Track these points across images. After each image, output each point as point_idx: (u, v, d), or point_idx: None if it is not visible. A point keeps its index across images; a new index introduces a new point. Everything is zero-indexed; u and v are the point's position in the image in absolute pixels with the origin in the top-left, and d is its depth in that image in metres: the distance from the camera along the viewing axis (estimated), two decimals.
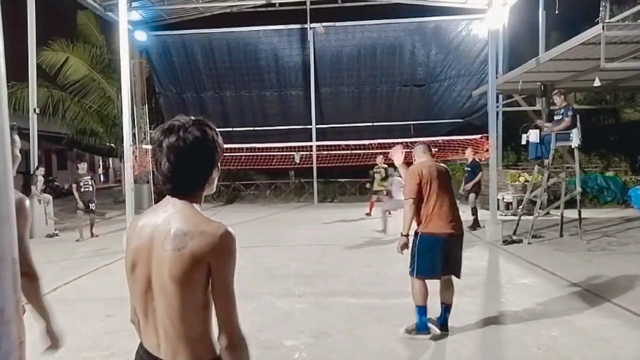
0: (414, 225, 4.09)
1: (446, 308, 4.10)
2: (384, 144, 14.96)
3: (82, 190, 9.66)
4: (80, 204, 9.64)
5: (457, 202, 4.29)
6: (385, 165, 12.42)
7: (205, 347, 1.37)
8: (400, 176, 4.71)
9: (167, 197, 1.42)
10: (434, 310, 4.16)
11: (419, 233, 4.01)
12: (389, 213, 9.68)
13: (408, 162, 4.29)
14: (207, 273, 1.32)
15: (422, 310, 4.01)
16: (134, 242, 1.41)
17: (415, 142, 4.75)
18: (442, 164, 4.22)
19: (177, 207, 1.38)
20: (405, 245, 4.04)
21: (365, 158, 14.97)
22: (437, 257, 3.93)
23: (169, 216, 1.37)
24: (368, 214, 12.28)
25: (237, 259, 1.38)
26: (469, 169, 10.09)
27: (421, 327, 4.01)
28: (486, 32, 11.84)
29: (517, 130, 9.29)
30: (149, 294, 1.37)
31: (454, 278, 4.14)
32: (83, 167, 9.97)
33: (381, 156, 12.46)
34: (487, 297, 5.23)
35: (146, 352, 1.42)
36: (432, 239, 3.93)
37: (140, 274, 1.38)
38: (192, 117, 1.41)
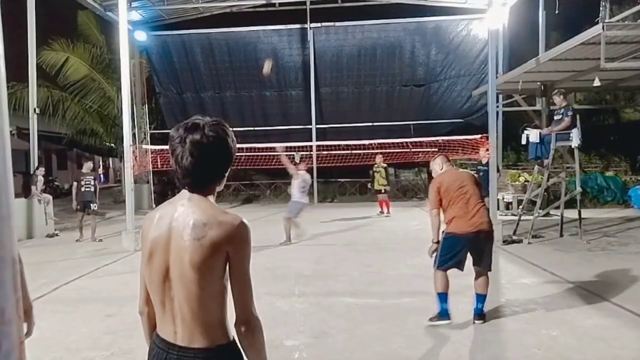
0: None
1: (478, 298, 4.39)
2: (384, 144, 14.97)
3: (82, 189, 9.40)
4: (74, 203, 9.45)
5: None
6: (385, 165, 12.52)
7: (221, 331, 1.44)
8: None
9: (183, 191, 1.50)
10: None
11: (444, 232, 4.32)
12: (295, 217, 8.91)
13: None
14: (225, 261, 1.41)
15: (442, 297, 4.30)
16: (152, 233, 1.47)
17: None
18: (464, 170, 4.47)
19: (194, 200, 1.47)
20: (435, 251, 4.35)
21: (365, 158, 14.96)
22: (460, 253, 4.25)
23: (187, 208, 1.44)
24: (382, 212, 12.46)
25: (251, 248, 1.46)
26: (486, 168, 10.03)
27: (442, 314, 4.29)
28: (486, 32, 11.83)
29: (517, 130, 9.28)
30: (166, 282, 1.43)
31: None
32: (88, 166, 9.79)
33: (380, 155, 12.59)
34: (487, 297, 5.22)
35: (163, 341, 1.47)
36: (454, 238, 4.24)
37: (159, 263, 1.44)
38: (211, 118, 1.50)
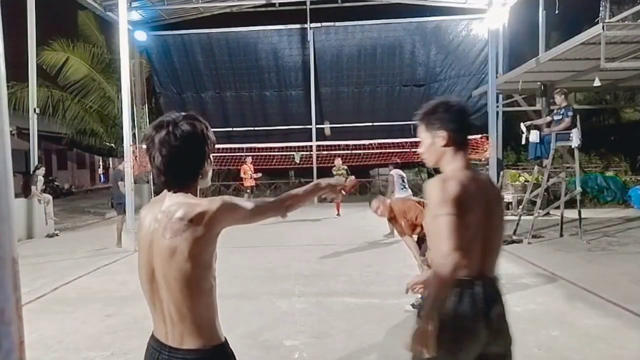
0: None
1: None
2: (384, 144, 14.97)
3: (121, 190, 8.77)
4: (118, 207, 8.80)
5: None
6: (345, 167, 12.71)
7: (210, 332, 1.42)
8: None
9: (165, 191, 1.48)
10: None
11: None
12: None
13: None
14: (205, 249, 1.37)
15: None
16: (139, 235, 1.49)
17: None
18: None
19: (173, 199, 1.44)
20: None
21: (365, 158, 14.97)
22: None
23: (166, 208, 1.42)
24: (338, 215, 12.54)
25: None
26: None
27: None
28: (486, 32, 11.84)
29: (517, 130, 9.28)
30: (154, 284, 1.42)
31: None
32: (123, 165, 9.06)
33: (339, 158, 12.82)
34: None
35: (156, 341, 1.47)
36: None
37: (145, 264, 1.43)
38: (182, 113, 1.47)
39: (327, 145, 16.00)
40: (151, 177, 16.18)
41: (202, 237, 1.36)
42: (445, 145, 1.79)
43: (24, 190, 10.24)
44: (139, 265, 1.47)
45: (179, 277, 1.36)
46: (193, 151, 1.44)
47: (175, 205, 1.41)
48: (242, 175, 13.33)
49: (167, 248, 1.36)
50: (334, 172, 12.79)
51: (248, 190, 12.89)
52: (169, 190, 1.46)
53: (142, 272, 1.45)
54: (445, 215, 1.62)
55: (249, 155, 13.69)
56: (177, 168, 1.43)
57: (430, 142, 1.83)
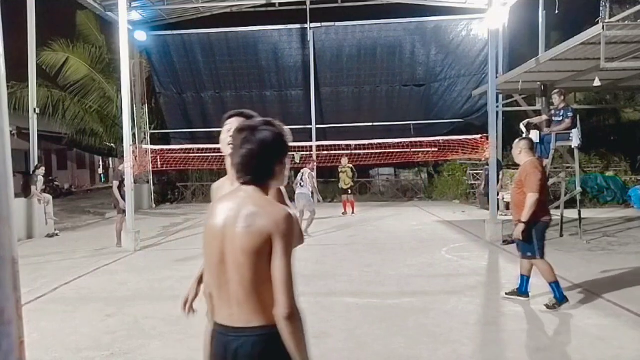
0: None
1: (528, 279, 4.86)
2: (384, 144, 14.96)
3: (123, 190, 8.68)
4: (123, 204, 8.64)
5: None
6: (351, 166, 12.76)
7: (272, 312, 1.54)
8: None
9: (240, 186, 1.66)
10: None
11: (538, 220, 4.53)
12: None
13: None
14: (271, 248, 1.53)
15: (558, 284, 4.59)
16: (211, 222, 1.63)
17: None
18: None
19: (248, 193, 1.62)
20: (524, 232, 4.56)
21: (365, 158, 14.96)
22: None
23: (241, 200, 1.60)
24: (345, 213, 12.71)
25: (295, 238, 1.60)
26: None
27: (561, 299, 4.57)
28: (486, 32, 11.84)
29: (517, 130, 9.27)
30: (222, 267, 1.57)
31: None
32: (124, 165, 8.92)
33: (345, 157, 13.04)
34: (487, 297, 5.22)
35: (220, 325, 1.61)
36: (547, 224, 4.64)
37: (215, 249, 1.59)
38: (262, 119, 1.69)
39: (327, 145, 16.00)
40: (151, 177, 16.20)
41: (268, 231, 1.53)
42: None
43: (24, 190, 10.23)
44: (208, 249, 1.61)
45: (247, 263, 1.51)
46: (267, 153, 1.62)
47: (250, 200, 1.59)
48: None
49: (238, 236, 1.53)
50: (340, 170, 12.82)
51: None
52: (242, 185, 1.64)
53: (211, 256, 1.60)
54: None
55: None
56: (253, 166, 1.61)
57: None
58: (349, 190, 12.65)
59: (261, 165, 1.62)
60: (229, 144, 1.65)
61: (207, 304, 1.71)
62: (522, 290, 4.88)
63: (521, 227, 4.50)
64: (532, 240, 4.55)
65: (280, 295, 1.49)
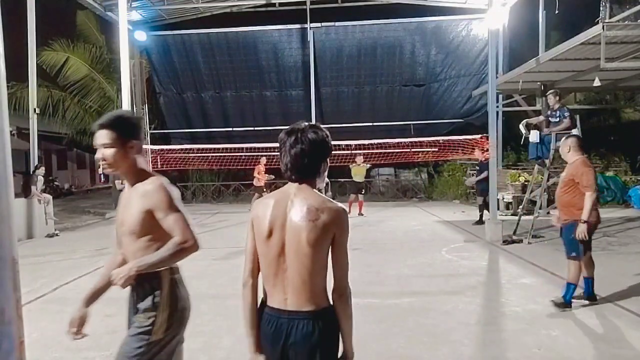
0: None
1: (592, 281, 4.85)
2: (384, 144, 14.96)
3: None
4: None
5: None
6: (368, 165, 12.75)
7: (324, 297, 1.77)
8: None
9: (289, 183, 1.81)
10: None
11: (588, 221, 4.49)
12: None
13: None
14: (331, 240, 1.73)
15: (592, 281, 4.79)
16: (270, 216, 1.75)
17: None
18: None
19: (302, 189, 1.78)
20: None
21: (365, 158, 14.96)
22: None
23: (299, 196, 1.76)
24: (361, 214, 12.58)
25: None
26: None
27: (591, 293, 4.77)
28: (486, 32, 11.84)
29: (517, 130, 9.27)
30: (281, 257, 1.74)
31: None
32: None
33: (361, 156, 12.96)
34: (487, 297, 5.23)
35: (273, 309, 1.77)
36: (595, 225, 4.62)
37: (276, 240, 1.74)
38: (309, 123, 1.82)
39: None
40: None
41: (330, 226, 1.71)
42: None
43: (24, 190, 10.23)
44: (267, 241, 1.74)
45: (310, 253, 1.69)
46: (315, 152, 1.76)
47: (308, 196, 1.75)
48: (256, 175, 13.21)
49: (302, 229, 1.69)
50: (351, 167, 12.69)
51: (265, 190, 12.72)
52: (293, 182, 1.79)
53: (271, 247, 1.74)
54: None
55: (263, 155, 13.55)
56: (302, 166, 1.76)
57: None
58: (362, 190, 12.55)
59: (310, 164, 1.77)
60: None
61: (243, 294, 1.84)
62: (588, 292, 4.83)
63: (584, 227, 4.44)
64: (577, 240, 4.55)
65: (345, 280, 1.75)
